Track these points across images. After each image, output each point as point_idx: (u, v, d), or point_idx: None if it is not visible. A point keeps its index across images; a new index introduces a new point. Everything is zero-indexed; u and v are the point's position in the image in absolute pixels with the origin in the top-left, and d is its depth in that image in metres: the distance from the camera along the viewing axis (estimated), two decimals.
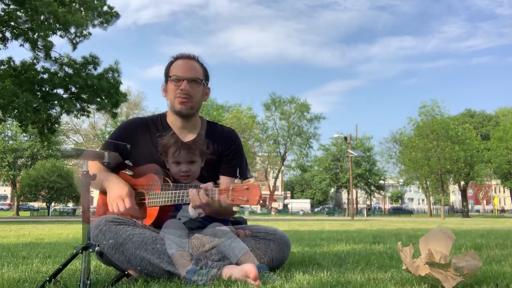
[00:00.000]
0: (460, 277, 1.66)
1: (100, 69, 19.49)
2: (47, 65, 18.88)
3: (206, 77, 2.35)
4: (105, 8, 19.41)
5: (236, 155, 2.38)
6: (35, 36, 17.74)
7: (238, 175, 2.25)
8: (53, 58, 18.55)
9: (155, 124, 2.36)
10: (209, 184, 1.91)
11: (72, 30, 18.72)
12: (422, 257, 1.71)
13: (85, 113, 20.12)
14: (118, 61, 19.66)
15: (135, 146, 2.30)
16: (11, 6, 16.90)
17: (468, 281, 1.74)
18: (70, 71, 18.95)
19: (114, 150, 2.28)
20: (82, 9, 18.67)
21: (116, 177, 2.18)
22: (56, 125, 19.90)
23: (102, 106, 19.55)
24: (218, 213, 2.11)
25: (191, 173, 2.16)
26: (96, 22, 19.42)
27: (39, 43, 18.05)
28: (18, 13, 16.99)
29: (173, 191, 2.01)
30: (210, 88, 2.40)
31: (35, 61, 18.52)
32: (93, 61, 19.26)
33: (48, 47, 18.13)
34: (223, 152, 2.34)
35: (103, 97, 19.29)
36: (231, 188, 1.78)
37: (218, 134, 2.37)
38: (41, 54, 18.38)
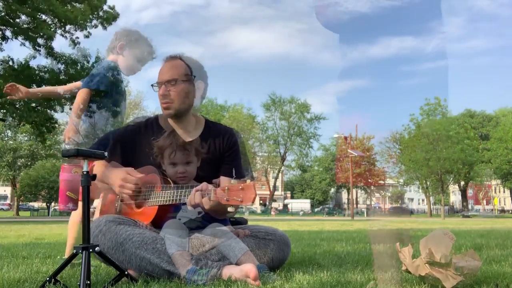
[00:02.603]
0: (461, 277, 1.66)
1: (92, 61, 19.52)
2: (48, 63, 18.95)
3: (191, 73, 2.28)
4: (105, 7, 19.45)
5: (236, 155, 2.37)
6: (37, 35, 17.78)
7: (234, 175, 2.25)
8: (53, 56, 18.60)
9: (154, 125, 2.36)
10: (204, 184, 1.92)
11: (72, 28, 18.78)
12: (422, 257, 1.71)
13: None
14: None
15: (135, 147, 2.30)
16: (12, 6, 16.91)
17: (468, 281, 1.74)
18: (70, 70, 19.00)
19: (115, 152, 2.29)
20: (81, 6, 18.70)
21: (111, 168, 2.18)
22: (55, 125, 19.94)
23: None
24: (215, 213, 2.11)
25: (187, 173, 2.16)
26: (95, 22, 19.45)
27: (40, 41, 18.10)
28: (18, 12, 17.02)
29: (173, 191, 2.01)
30: (203, 83, 2.35)
31: (32, 58, 18.56)
32: (84, 53, 19.28)
33: (49, 45, 18.18)
34: (224, 152, 2.34)
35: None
36: (226, 188, 1.79)
37: (218, 134, 2.37)
38: (42, 52, 18.43)
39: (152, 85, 2.25)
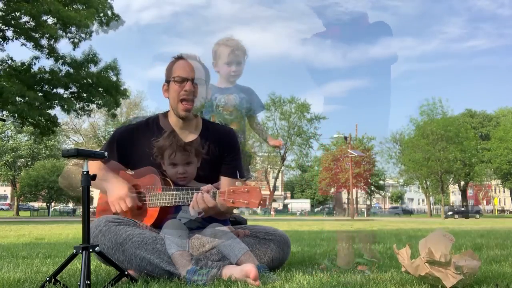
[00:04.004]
0: (461, 275, 1.66)
1: (99, 66, 19.62)
2: (49, 64, 18.98)
3: (207, 77, 2.35)
4: (109, 12, 19.53)
5: (236, 155, 2.37)
6: (38, 34, 17.80)
7: (238, 176, 2.24)
8: (55, 56, 18.62)
9: (154, 125, 2.35)
10: (209, 186, 1.92)
11: (73, 29, 18.80)
12: (422, 257, 1.71)
13: (86, 112, 20.19)
14: (116, 60, 19.81)
15: (135, 147, 2.30)
16: (13, 5, 16.87)
17: (468, 281, 1.74)
18: (71, 70, 19.02)
19: (116, 151, 2.29)
20: (84, 8, 18.75)
21: (115, 177, 2.18)
22: (55, 127, 19.94)
23: (103, 104, 19.62)
24: (217, 214, 2.11)
25: (187, 174, 2.15)
26: (97, 25, 19.49)
27: (42, 42, 18.12)
28: (21, 12, 17.02)
29: (174, 193, 2.01)
30: (211, 89, 2.40)
31: (35, 60, 18.60)
32: (92, 58, 19.33)
33: (51, 46, 18.19)
34: (223, 153, 2.33)
35: (103, 96, 19.38)
36: (231, 190, 1.79)
37: (217, 134, 2.36)
38: (44, 53, 18.45)
39: (173, 79, 2.22)
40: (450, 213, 42.44)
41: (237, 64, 2.91)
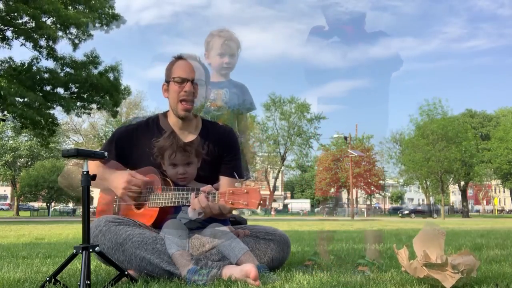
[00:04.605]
0: (459, 274, 1.66)
1: (100, 68, 19.63)
2: (48, 64, 19.00)
3: (207, 78, 2.35)
4: (110, 11, 19.53)
5: (236, 155, 2.37)
6: (38, 36, 17.81)
7: (237, 177, 2.24)
8: (55, 57, 18.62)
9: (154, 125, 2.35)
10: (209, 187, 1.92)
11: (74, 30, 18.80)
12: (418, 259, 1.71)
13: (86, 111, 20.20)
14: (120, 62, 19.85)
15: (135, 147, 2.30)
16: (12, 5, 16.86)
17: (467, 279, 1.74)
18: (71, 71, 19.03)
19: (115, 151, 2.29)
20: (84, 8, 18.75)
21: (112, 171, 2.17)
22: (55, 127, 19.93)
23: (103, 105, 19.63)
24: (217, 215, 2.10)
25: (188, 175, 2.15)
26: (97, 25, 19.48)
27: (41, 42, 18.12)
28: (21, 12, 17.03)
29: (174, 193, 2.01)
30: (211, 89, 2.40)
31: (35, 60, 18.60)
32: (94, 60, 19.34)
33: (51, 46, 18.19)
34: (223, 152, 2.33)
35: (104, 96, 19.39)
36: (231, 191, 1.79)
37: (217, 134, 2.36)
38: (43, 53, 18.45)
39: (173, 79, 2.22)
40: (406, 212, 43.01)
41: (230, 56, 2.78)
